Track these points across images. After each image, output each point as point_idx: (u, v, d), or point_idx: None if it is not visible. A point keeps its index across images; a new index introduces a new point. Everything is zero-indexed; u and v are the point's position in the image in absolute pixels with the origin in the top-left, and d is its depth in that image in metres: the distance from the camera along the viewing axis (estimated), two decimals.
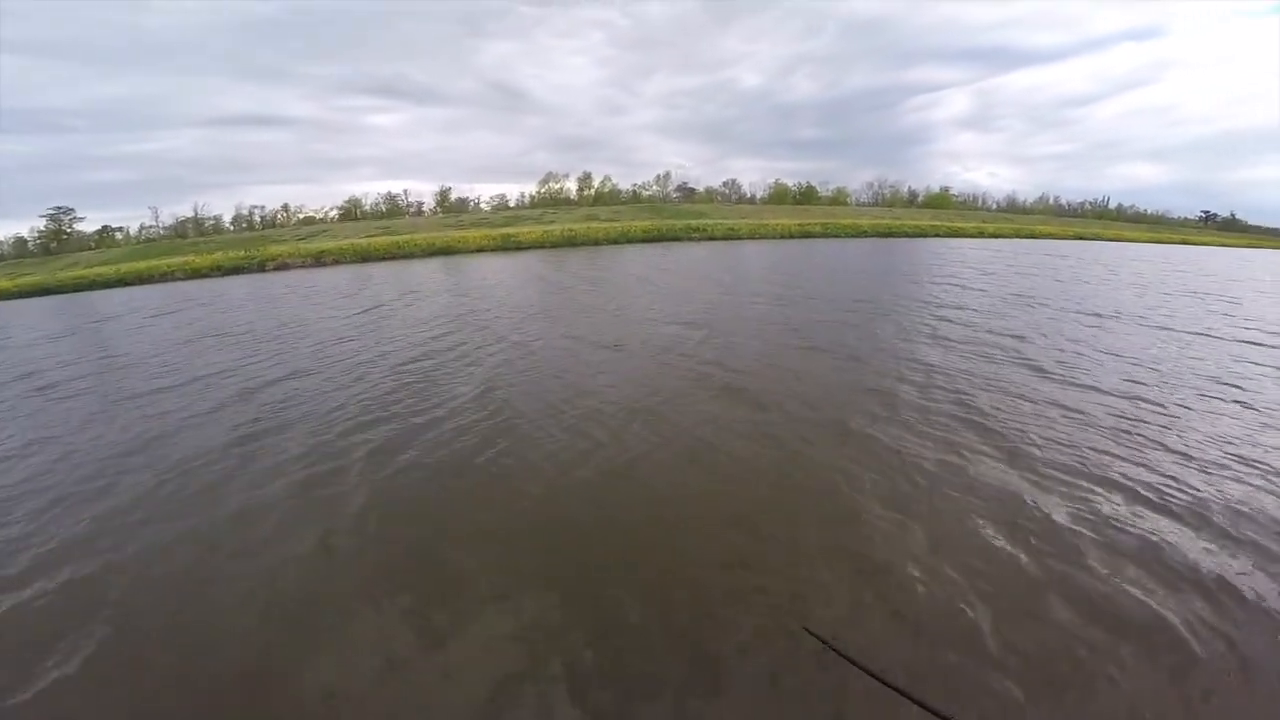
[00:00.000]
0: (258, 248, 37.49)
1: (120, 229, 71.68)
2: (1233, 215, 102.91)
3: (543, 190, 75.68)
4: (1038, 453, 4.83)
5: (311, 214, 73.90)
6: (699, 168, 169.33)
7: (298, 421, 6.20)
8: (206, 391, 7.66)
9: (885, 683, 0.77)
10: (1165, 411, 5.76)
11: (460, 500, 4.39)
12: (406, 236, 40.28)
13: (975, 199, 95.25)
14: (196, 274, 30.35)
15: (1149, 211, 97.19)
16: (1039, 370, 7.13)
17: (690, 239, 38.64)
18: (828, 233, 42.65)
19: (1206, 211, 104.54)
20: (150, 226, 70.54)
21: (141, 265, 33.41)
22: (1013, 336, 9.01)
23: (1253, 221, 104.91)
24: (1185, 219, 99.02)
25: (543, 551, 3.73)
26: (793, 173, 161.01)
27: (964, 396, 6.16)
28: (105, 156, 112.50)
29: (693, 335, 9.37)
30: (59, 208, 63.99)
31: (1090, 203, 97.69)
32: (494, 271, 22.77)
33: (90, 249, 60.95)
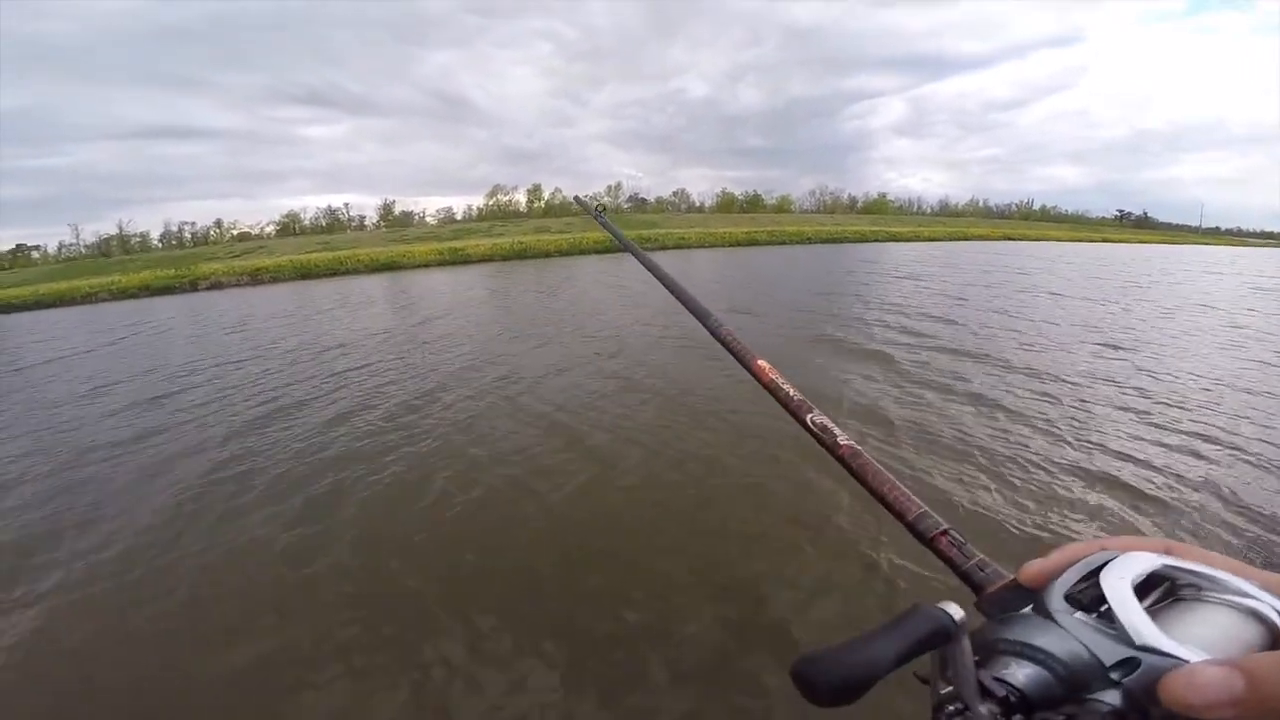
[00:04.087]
0: (189, 266, 35.60)
1: (37, 247, 67.28)
2: (1145, 214, 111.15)
3: (491, 203, 74.98)
4: None
5: (247, 229, 71.01)
6: (649, 178, 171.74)
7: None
8: None
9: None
10: None
11: None
12: (348, 252, 39.10)
13: (911, 203, 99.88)
14: (124, 294, 28.54)
15: (1070, 211, 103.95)
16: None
17: (643, 248, 38.77)
18: (773, 240, 43.75)
19: (1121, 210, 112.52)
20: (71, 245, 66.43)
21: (62, 286, 31.17)
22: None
23: (1162, 219, 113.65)
24: (1103, 218, 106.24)
25: None
26: (739, 181, 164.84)
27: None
28: (8, 171, 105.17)
29: None
30: None
31: (1017, 204, 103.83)
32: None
33: (3, 269, 56.68)
